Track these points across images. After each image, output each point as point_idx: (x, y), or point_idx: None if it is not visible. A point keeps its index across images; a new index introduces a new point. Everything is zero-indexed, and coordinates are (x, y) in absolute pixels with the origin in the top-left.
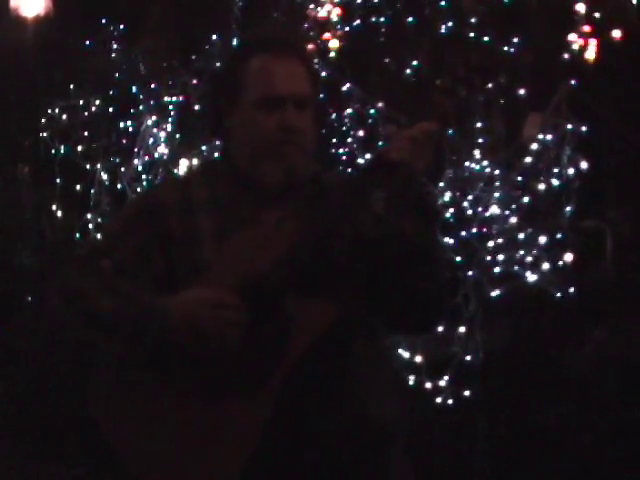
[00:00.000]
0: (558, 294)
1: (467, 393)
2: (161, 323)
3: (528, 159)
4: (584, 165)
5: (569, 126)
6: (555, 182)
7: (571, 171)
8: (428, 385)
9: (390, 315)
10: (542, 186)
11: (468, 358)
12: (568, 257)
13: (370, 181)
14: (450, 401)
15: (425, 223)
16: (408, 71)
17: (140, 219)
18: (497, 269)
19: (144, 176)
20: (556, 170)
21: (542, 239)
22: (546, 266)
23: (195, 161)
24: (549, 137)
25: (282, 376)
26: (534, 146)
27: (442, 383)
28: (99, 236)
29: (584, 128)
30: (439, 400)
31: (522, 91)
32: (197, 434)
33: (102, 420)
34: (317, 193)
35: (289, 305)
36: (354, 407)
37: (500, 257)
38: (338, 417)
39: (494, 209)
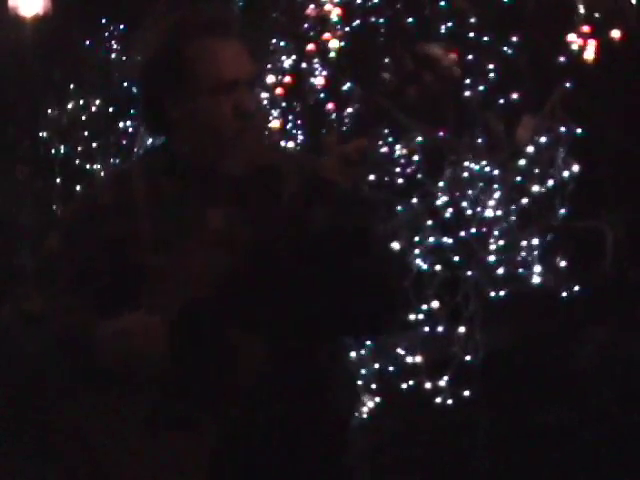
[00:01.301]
0: (557, 294)
1: (467, 393)
2: (88, 352)
3: (522, 161)
4: (578, 167)
5: (563, 128)
6: (550, 184)
7: (566, 173)
8: (428, 385)
9: (335, 320)
10: (537, 188)
11: (468, 358)
12: (567, 258)
13: (307, 199)
14: (450, 401)
15: (362, 231)
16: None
17: (79, 229)
18: (496, 269)
19: None
20: (551, 172)
21: (541, 239)
22: (545, 267)
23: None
24: (544, 139)
25: (228, 405)
26: (529, 148)
27: (442, 383)
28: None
29: (579, 130)
30: (439, 400)
31: (517, 94)
32: (139, 463)
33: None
34: (266, 185)
35: (230, 336)
36: (306, 411)
37: (500, 257)
38: (290, 429)
39: (492, 210)
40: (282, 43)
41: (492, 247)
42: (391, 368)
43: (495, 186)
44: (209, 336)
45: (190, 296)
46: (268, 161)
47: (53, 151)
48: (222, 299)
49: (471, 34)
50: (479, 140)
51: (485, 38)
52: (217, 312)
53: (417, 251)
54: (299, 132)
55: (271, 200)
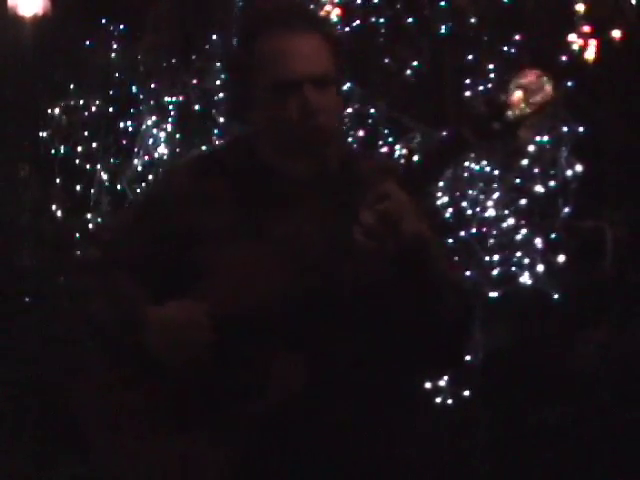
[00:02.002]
0: (557, 294)
1: (467, 393)
2: (137, 334)
3: (524, 161)
4: (581, 167)
5: (565, 128)
6: (552, 183)
7: (569, 172)
8: (428, 385)
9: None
10: (539, 187)
11: (468, 358)
12: (567, 258)
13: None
14: (450, 401)
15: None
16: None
17: (150, 210)
18: (496, 270)
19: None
20: (553, 172)
21: (540, 240)
22: (545, 267)
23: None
24: (546, 138)
25: (252, 422)
26: (531, 148)
27: (442, 383)
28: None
29: (581, 129)
30: (439, 400)
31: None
32: (163, 459)
33: (83, 417)
34: (345, 188)
35: (268, 352)
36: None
37: (500, 258)
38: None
39: (492, 210)
40: None
41: (492, 247)
42: None
43: (495, 186)
44: (247, 344)
45: (240, 301)
46: (345, 166)
47: (53, 151)
48: (271, 312)
49: (471, 34)
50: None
51: (485, 38)
52: (262, 323)
53: None
54: None
55: (344, 211)
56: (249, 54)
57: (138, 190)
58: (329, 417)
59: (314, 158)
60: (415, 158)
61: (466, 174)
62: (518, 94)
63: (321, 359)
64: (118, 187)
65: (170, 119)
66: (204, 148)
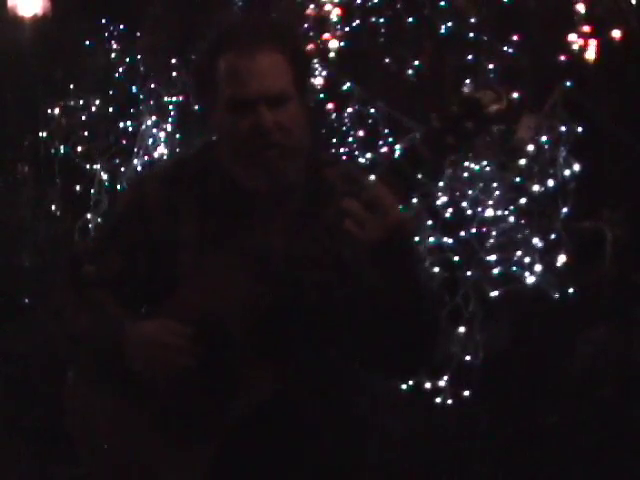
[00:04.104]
0: (557, 294)
1: (467, 393)
2: (119, 348)
3: (523, 161)
4: (579, 167)
5: (563, 128)
6: (551, 183)
7: (567, 172)
8: (428, 385)
9: (369, 361)
10: (538, 187)
11: (468, 358)
12: (566, 258)
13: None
14: (450, 401)
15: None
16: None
17: (126, 221)
18: (496, 269)
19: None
20: (551, 171)
21: (540, 240)
22: (545, 267)
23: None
24: (544, 138)
25: (224, 428)
26: (529, 147)
27: (442, 383)
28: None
29: (580, 129)
30: (439, 400)
31: (517, 93)
32: (147, 463)
33: (72, 425)
34: (313, 200)
35: (237, 360)
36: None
37: (500, 257)
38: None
39: (492, 210)
40: None
41: (492, 247)
42: None
43: (495, 186)
44: (216, 354)
45: (211, 313)
46: (301, 174)
47: (53, 151)
48: (238, 322)
49: (471, 34)
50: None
51: (485, 38)
52: (230, 333)
53: None
54: None
55: (309, 220)
56: (211, 70)
57: None
58: (298, 421)
59: (269, 174)
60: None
61: (466, 174)
62: (489, 94)
63: (288, 366)
64: (118, 187)
65: (170, 119)
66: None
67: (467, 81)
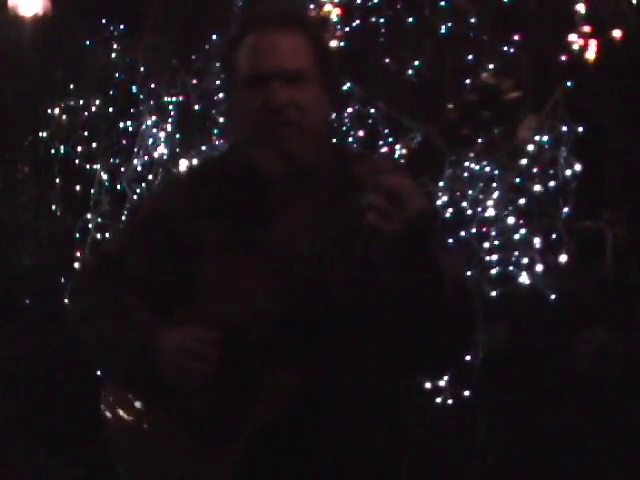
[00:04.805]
0: (557, 294)
1: (467, 393)
2: (153, 364)
3: (524, 161)
4: (580, 167)
5: (564, 128)
6: (552, 183)
7: (568, 172)
8: (428, 385)
9: (396, 361)
10: (539, 187)
11: (468, 358)
12: (567, 258)
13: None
14: (450, 401)
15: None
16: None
17: (151, 225)
18: (496, 269)
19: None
20: (552, 171)
21: (540, 240)
22: (545, 267)
23: (195, 161)
24: (545, 138)
25: (249, 432)
26: (530, 147)
27: (442, 383)
28: (111, 238)
29: (580, 129)
30: (439, 400)
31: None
32: (175, 471)
33: (105, 426)
34: (339, 195)
35: (259, 365)
36: (331, 450)
37: (500, 257)
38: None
39: (492, 210)
40: None
41: (492, 247)
42: None
43: (495, 185)
44: (241, 359)
45: (234, 317)
46: (333, 173)
47: (53, 151)
48: (259, 326)
49: (471, 34)
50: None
51: (485, 38)
52: (255, 338)
53: None
54: None
55: (331, 218)
56: (234, 53)
57: (138, 190)
58: (320, 429)
59: (284, 153)
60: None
61: (466, 174)
62: (507, 80)
63: (310, 370)
64: (118, 187)
65: (170, 119)
66: (203, 149)
67: (467, 81)
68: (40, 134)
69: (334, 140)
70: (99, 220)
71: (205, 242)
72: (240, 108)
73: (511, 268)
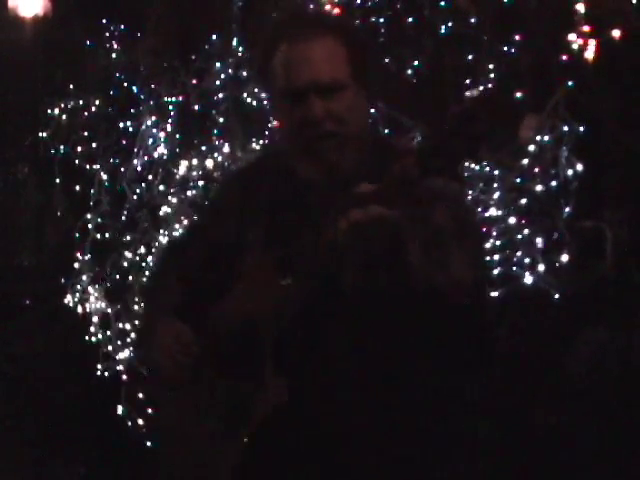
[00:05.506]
0: (557, 295)
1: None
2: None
3: (525, 160)
4: (581, 166)
5: (565, 128)
6: (553, 183)
7: (569, 172)
8: None
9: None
10: (540, 187)
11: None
12: (567, 258)
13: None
14: None
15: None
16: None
17: (209, 221)
18: (497, 269)
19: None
20: (553, 171)
21: (541, 240)
22: (545, 267)
23: (195, 161)
24: (546, 138)
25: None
26: (531, 147)
27: None
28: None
29: (581, 129)
30: None
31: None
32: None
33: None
34: (378, 194)
35: (259, 365)
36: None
37: (501, 257)
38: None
39: (493, 210)
40: None
41: (492, 247)
42: None
43: (495, 186)
44: (238, 359)
45: (247, 316)
46: (358, 163)
47: (53, 151)
48: (261, 326)
49: (471, 34)
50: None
51: (485, 38)
52: (261, 338)
53: None
54: None
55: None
56: (268, 62)
57: (138, 190)
58: (317, 427)
59: (324, 165)
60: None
61: (466, 174)
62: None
63: (309, 374)
64: (118, 187)
65: (170, 119)
66: (203, 149)
67: (467, 81)
68: (40, 134)
69: (379, 135)
70: (99, 220)
71: (246, 241)
72: (281, 121)
73: (512, 268)
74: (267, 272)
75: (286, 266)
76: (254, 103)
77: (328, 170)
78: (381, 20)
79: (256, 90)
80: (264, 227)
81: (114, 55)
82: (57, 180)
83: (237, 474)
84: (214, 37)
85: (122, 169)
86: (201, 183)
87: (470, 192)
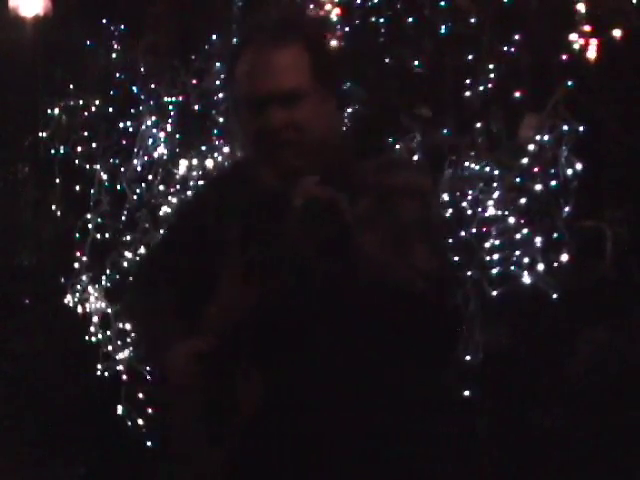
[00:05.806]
0: (557, 294)
1: (467, 393)
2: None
3: (525, 160)
4: (581, 166)
5: (565, 127)
6: (553, 183)
7: (569, 172)
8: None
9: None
10: (539, 187)
11: (468, 358)
12: (566, 257)
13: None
14: None
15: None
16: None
17: (185, 225)
18: (496, 269)
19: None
20: (553, 171)
21: (540, 239)
22: (545, 266)
23: (195, 161)
24: (546, 138)
25: (234, 433)
26: (531, 147)
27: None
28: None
29: (581, 128)
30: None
31: (519, 92)
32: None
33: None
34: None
35: (236, 368)
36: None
37: (500, 257)
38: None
39: (493, 209)
40: None
41: (492, 247)
42: None
43: (495, 185)
44: (222, 361)
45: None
46: (327, 168)
47: (53, 151)
48: (240, 328)
49: (471, 34)
50: (479, 140)
51: (485, 38)
52: (239, 342)
53: None
54: None
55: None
56: (233, 68)
57: (138, 190)
58: (298, 427)
59: (283, 170)
60: None
61: (466, 174)
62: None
63: (286, 374)
64: (118, 187)
65: (170, 119)
66: (203, 149)
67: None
68: (40, 134)
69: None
70: (99, 220)
71: (223, 243)
72: (242, 128)
73: (511, 268)
74: (243, 273)
75: (259, 266)
76: None
77: (289, 177)
78: (381, 20)
79: None
80: (238, 231)
81: (114, 55)
82: (57, 180)
83: (223, 475)
84: (214, 37)
85: (122, 169)
86: (201, 183)
87: (470, 192)
